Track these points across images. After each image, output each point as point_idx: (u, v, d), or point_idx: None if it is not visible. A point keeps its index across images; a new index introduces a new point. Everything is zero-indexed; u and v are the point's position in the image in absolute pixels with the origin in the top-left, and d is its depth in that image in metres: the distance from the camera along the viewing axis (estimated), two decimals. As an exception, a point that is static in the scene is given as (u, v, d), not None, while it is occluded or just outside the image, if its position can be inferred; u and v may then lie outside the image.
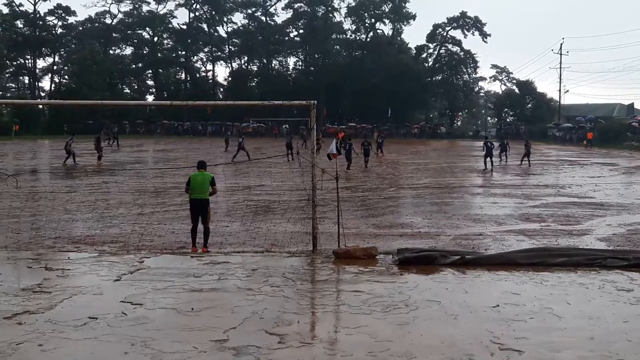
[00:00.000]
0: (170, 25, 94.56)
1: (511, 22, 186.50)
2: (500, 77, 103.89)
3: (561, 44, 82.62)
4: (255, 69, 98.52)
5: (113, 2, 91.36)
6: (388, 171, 31.26)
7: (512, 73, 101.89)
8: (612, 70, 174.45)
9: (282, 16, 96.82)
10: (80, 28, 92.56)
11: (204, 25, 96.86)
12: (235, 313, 7.08)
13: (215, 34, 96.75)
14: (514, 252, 10.43)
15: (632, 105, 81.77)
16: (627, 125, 61.10)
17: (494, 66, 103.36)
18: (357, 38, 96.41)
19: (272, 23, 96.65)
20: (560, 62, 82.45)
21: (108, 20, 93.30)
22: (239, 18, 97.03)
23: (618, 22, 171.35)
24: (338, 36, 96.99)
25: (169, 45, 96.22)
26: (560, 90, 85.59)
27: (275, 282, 8.44)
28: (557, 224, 15.32)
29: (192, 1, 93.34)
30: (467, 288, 8.14)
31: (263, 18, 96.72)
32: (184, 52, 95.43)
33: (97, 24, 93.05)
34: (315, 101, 11.22)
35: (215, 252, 11.25)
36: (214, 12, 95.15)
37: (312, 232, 11.17)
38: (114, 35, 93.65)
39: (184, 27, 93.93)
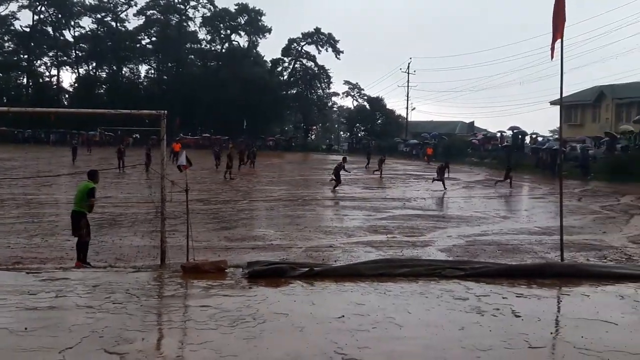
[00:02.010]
0: (12, 28, 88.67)
1: (363, 41, 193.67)
2: (353, 93, 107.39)
3: (409, 64, 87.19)
4: (104, 75, 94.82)
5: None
6: (242, 183, 31.16)
7: (363, 90, 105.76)
8: (454, 90, 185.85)
9: (133, 22, 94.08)
10: None
11: (49, 29, 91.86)
12: (72, 332, 6.67)
13: (62, 38, 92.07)
14: (360, 263, 10.69)
15: (472, 123, 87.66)
16: (467, 142, 65.29)
17: (347, 82, 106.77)
18: (212, 48, 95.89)
19: (123, 29, 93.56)
20: (408, 80, 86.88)
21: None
22: (87, 22, 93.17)
23: (460, 45, 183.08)
24: (193, 46, 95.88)
25: (10, 48, 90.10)
26: (407, 108, 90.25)
27: (118, 298, 8.07)
28: (402, 235, 15.98)
29: (37, 3, 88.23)
30: (315, 300, 8.23)
31: (113, 23, 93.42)
32: (26, 56, 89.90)
33: None
34: (166, 111, 10.92)
35: (53, 267, 10.60)
36: (60, 15, 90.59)
37: (161, 245, 10.83)
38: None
39: (27, 29, 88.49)
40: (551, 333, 7.11)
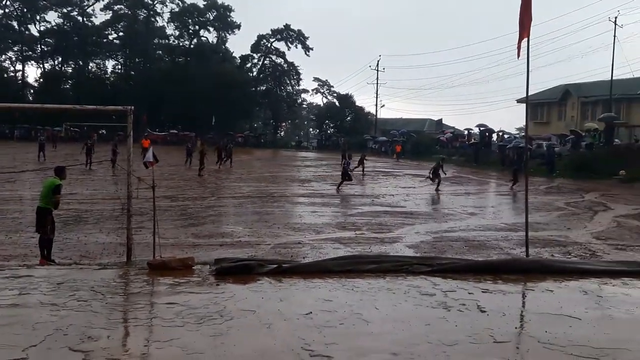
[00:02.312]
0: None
1: (332, 38, 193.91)
2: (322, 90, 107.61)
3: (378, 61, 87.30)
4: (70, 71, 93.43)
5: None
6: (210, 180, 30.97)
7: (333, 87, 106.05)
8: (423, 88, 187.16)
9: (100, 17, 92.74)
10: None
11: (14, 23, 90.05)
12: (36, 330, 6.57)
13: (27, 32, 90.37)
14: (328, 259, 10.70)
15: (440, 120, 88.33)
16: (436, 140, 65.80)
17: (316, 79, 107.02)
18: (181, 44, 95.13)
19: (90, 24, 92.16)
20: (377, 77, 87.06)
21: None
22: (53, 17, 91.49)
23: (429, 43, 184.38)
24: (160, 41, 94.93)
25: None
26: (377, 105, 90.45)
27: (83, 295, 7.96)
28: (370, 232, 16.04)
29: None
30: (283, 296, 8.21)
31: (80, 18, 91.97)
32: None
33: None
34: (133, 107, 10.80)
35: (17, 265, 10.41)
36: (25, 10, 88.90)
37: (127, 242, 10.71)
38: None
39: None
40: (516, 328, 7.21)
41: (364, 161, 39.02)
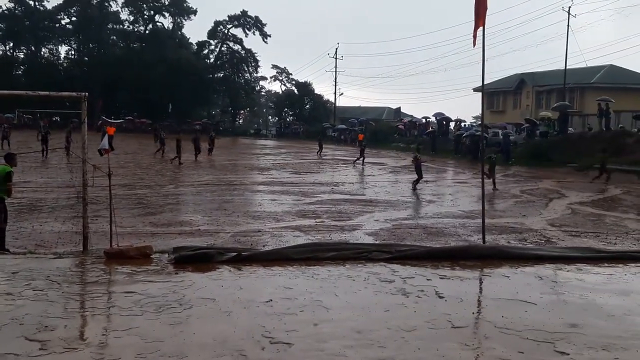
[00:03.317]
0: None
1: (290, 25, 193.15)
2: (281, 78, 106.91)
3: (336, 49, 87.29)
4: (22, 56, 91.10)
5: None
6: (168, 167, 30.64)
7: (291, 74, 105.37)
8: (381, 76, 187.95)
9: (52, 2, 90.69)
10: None
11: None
12: (-9, 320, 6.43)
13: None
14: (288, 247, 10.72)
15: (399, 109, 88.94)
16: (394, 128, 66.28)
17: (275, 66, 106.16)
18: (136, 30, 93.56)
19: (42, 8, 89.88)
20: (336, 66, 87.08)
21: None
22: (3, 1, 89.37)
23: (387, 31, 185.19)
24: (115, 26, 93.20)
25: None
26: (335, 93, 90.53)
27: (38, 285, 7.81)
28: (330, 220, 16.09)
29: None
30: (242, 284, 8.19)
31: (31, 2, 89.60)
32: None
33: None
34: (87, 93, 10.59)
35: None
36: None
37: (83, 231, 10.54)
38: None
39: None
40: (473, 313, 7.33)
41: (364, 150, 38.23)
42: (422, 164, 24.21)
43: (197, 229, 14.17)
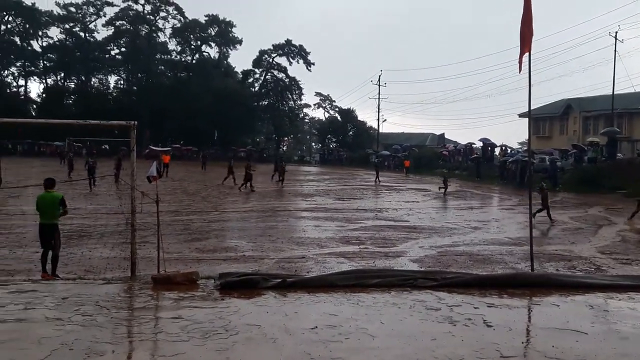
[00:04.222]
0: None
1: (334, 53, 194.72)
2: (324, 105, 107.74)
3: (379, 76, 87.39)
4: (73, 86, 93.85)
5: None
6: (213, 194, 30.98)
7: (334, 101, 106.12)
8: (425, 102, 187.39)
9: (102, 33, 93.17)
10: None
11: (17, 39, 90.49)
12: (42, 345, 6.56)
13: (29, 48, 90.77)
14: (333, 274, 10.70)
15: (442, 135, 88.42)
16: (438, 154, 65.79)
17: (318, 94, 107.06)
18: (183, 59, 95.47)
19: (92, 39, 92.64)
20: (379, 92, 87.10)
21: None
22: (55, 32, 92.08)
23: (430, 58, 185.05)
24: (162, 56, 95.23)
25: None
26: (378, 119, 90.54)
27: (87, 310, 7.95)
28: (374, 246, 16.02)
29: (4, 13, 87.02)
30: (287, 311, 8.19)
31: (82, 34, 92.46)
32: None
33: None
34: (136, 122, 10.84)
35: (21, 279, 10.40)
36: (27, 25, 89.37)
37: (131, 257, 10.72)
38: None
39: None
40: (522, 342, 7.17)
41: (447, 182, 36.09)
42: (547, 195, 22.88)
43: (242, 255, 14.27)
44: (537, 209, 21.63)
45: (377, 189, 38.86)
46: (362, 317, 7.89)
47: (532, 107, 12.07)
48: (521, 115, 69.52)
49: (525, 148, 57.58)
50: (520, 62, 10.92)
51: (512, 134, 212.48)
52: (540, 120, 68.77)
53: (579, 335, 7.25)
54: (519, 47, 10.88)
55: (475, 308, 8.46)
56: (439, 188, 35.18)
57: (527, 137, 64.50)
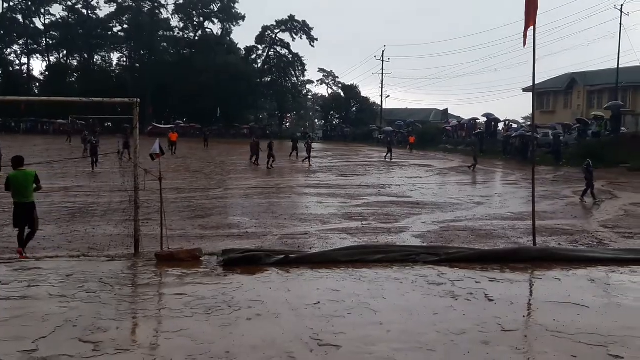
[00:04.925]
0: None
1: (337, 29, 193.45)
2: (327, 81, 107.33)
3: (383, 52, 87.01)
4: (76, 63, 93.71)
5: None
6: (216, 171, 31.01)
7: (338, 77, 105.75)
8: (428, 78, 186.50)
9: (105, 10, 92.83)
10: None
11: (19, 17, 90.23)
12: (46, 321, 6.62)
13: (32, 25, 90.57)
14: (335, 250, 10.73)
15: (446, 110, 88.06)
16: (442, 130, 65.64)
17: (321, 70, 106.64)
18: (185, 36, 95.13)
19: (94, 16, 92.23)
20: (382, 68, 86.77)
21: None
22: (57, 10, 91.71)
23: (434, 32, 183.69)
24: (165, 33, 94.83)
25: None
26: (382, 95, 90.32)
27: (91, 287, 8.00)
28: (377, 222, 16.04)
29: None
30: (290, 287, 8.24)
31: (84, 11, 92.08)
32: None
33: None
34: (139, 99, 10.81)
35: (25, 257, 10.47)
36: (30, 3, 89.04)
37: (134, 234, 10.76)
38: None
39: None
40: (524, 316, 7.22)
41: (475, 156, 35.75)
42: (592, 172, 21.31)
43: (245, 232, 14.31)
44: (583, 190, 21.19)
45: (382, 165, 38.80)
46: (365, 292, 7.93)
47: (536, 82, 11.99)
48: (525, 90, 69.15)
49: (529, 123, 57.44)
50: (524, 36, 10.83)
51: (516, 109, 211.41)
52: (545, 94, 68.43)
53: (581, 309, 7.28)
54: (524, 21, 10.79)
55: (477, 283, 8.49)
56: (469, 166, 34.67)
57: (531, 112, 64.18)
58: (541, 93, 66.31)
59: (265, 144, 35.58)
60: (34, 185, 10.94)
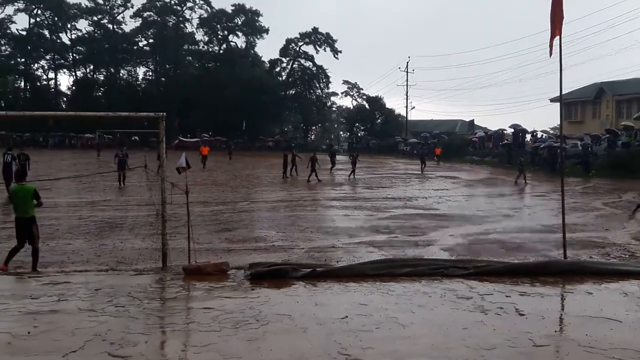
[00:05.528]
0: (8, 31, 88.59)
1: (361, 40, 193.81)
2: (352, 93, 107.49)
3: (407, 63, 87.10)
4: (102, 78, 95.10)
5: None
6: (242, 184, 31.12)
7: (362, 89, 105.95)
8: (454, 88, 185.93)
9: (130, 24, 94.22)
10: None
11: (46, 32, 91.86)
12: (75, 335, 6.66)
13: (58, 41, 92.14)
14: (362, 263, 10.67)
15: (472, 121, 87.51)
16: (468, 141, 65.23)
17: (346, 82, 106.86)
18: (210, 50, 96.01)
19: (120, 31, 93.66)
20: (407, 79, 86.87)
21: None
22: (83, 25, 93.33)
23: (459, 43, 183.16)
24: (190, 47, 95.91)
25: (7, 52, 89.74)
26: (407, 107, 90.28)
27: (120, 301, 8.05)
28: (404, 235, 15.94)
29: (33, 6, 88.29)
30: (318, 300, 8.19)
31: (110, 26, 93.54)
32: (23, 60, 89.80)
33: None
34: (164, 113, 10.90)
35: (54, 271, 10.56)
36: (56, 19, 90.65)
37: (162, 248, 10.81)
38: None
39: (24, 33, 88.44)
40: (555, 331, 7.08)
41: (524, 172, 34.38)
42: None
43: (272, 245, 14.30)
44: (637, 203, 20.53)
45: (408, 177, 38.62)
46: (393, 306, 7.86)
47: (563, 91, 11.86)
48: (552, 100, 68.57)
49: (557, 133, 56.81)
50: (551, 46, 10.73)
51: (544, 120, 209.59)
52: (572, 104, 67.69)
53: (614, 324, 7.14)
54: (550, 31, 10.69)
55: (507, 297, 8.37)
56: (516, 180, 33.00)
57: (559, 122, 63.49)
58: (569, 103, 65.61)
59: (306, 157, 35.45)
60: (34, 201, 10.91)
